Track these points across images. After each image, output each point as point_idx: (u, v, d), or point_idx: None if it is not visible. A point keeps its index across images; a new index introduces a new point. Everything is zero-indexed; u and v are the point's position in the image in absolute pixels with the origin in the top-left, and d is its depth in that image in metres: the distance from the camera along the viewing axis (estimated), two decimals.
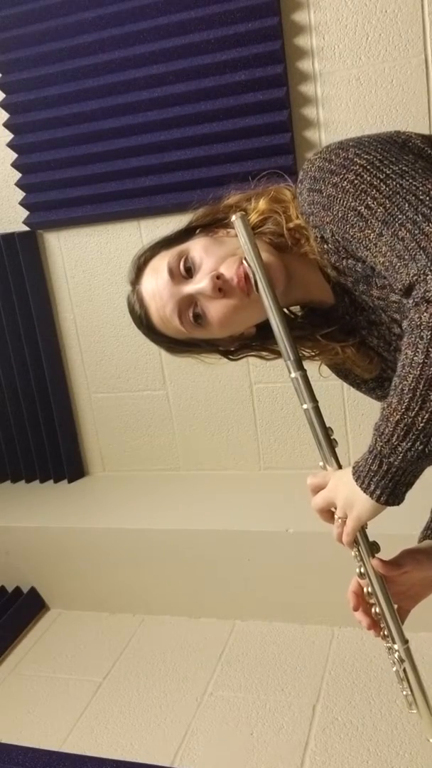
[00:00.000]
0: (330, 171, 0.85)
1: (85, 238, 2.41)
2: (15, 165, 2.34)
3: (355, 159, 0.84)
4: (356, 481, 0.84)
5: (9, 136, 2.32)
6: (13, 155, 2.34)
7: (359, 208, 0.81)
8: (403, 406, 0.75)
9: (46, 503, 2.56)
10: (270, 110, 2.02)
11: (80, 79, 2.18)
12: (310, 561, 2.11)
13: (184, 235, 0.99)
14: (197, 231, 0.99)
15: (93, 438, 2.68)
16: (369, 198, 0.80)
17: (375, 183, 0.81)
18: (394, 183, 0.79)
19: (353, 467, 0.84)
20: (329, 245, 0.90)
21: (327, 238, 0.89)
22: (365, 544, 0.91)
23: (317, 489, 0.92)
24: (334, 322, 1.00)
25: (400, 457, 0.77)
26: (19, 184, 2.36)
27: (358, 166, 0.83)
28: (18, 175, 2.36)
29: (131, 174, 2.22)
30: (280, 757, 1.72)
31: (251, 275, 0.89)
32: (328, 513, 0.92)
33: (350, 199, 0.82)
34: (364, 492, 0.83)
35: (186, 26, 2.02)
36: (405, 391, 0.74)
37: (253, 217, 0.96)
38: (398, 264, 0.77)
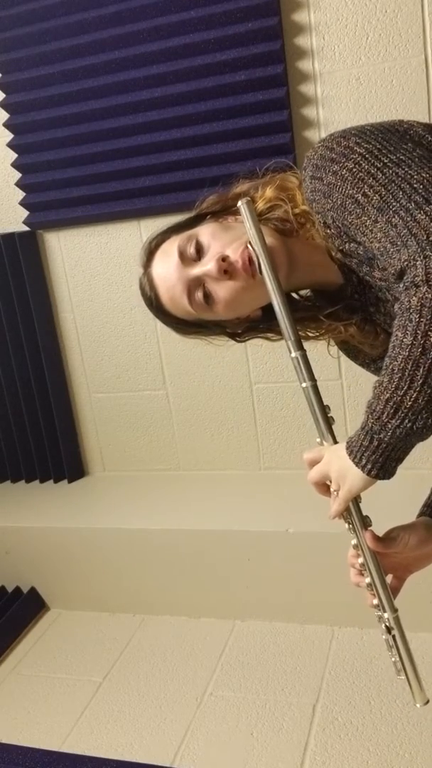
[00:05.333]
0: (331, 159, 0.88)
1: (85, 238, 2.41)
2: (15, 165, 2.34)
3: (355, 148, 0.87)
4: (349, 455, 0.87)
5: (9, 136, 2.32)
6: (13, 155, 2.34)
7: (357, 195, 0.85)
8: (393, 385, 0.78)
9: (46, 503, 2.56)
10: (270, 110, 2.02)
11: (80, 79, 2.18)
12: (310, 561, 2.11)
13: (194, 221, 1.02)
14: (207, 218, 1.02)
15: (93, 438, 2.68)
16: (366, 186, 0.84)
17: (372, 171, 0.84)
18: (391, 172, 0.83)
19: (347, 442, 0.88)
20: (332, 230, 0.93)
21: (329, 223, 0.93)
22: (358, 516, 0.94)
23: (313, 463, 0.95)
24: (342, 301, 1.03)
25: (389, 434, 0.81)
26: (19, 184, 2.36)
27: (357, 155, 0.86)
28: (18, 175, 2.36)
29: (131, 174, 2.22)
30: (280, 757, 1.72)
31: (255, 258, 0.92)
32: (323, 486, 0.95)
33: (348, 187, 0.85)
34: (356, 466, 0.87)
35: (186, 26, 2.02)
36: (395, 371, 0.78)
37: (260, 205, 1.00)
38: (391, 250, 0.81)
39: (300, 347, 0.93)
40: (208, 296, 0.97)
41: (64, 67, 2.18)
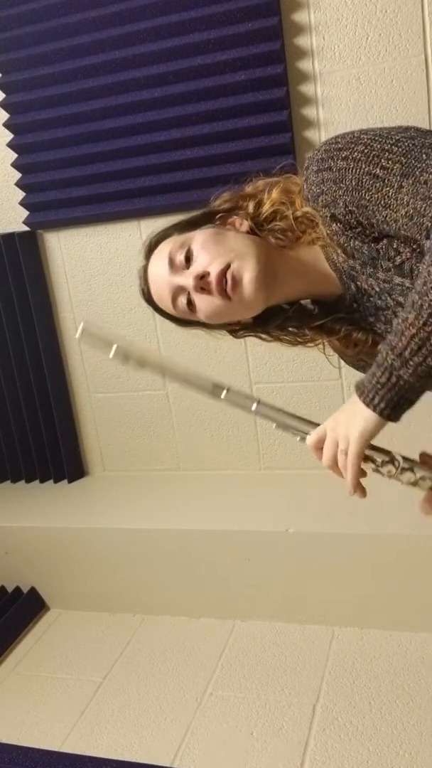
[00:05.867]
0: (338, 149, 0.90)
1: (85, 238, 2.41)
2: (15, 165, 2.34)
3: (361, 135, 0.89)
4: (360, 396, 0.87)
5: (9, 136, 2.32)
6: (13, 155, 2.34)
7: (374, 170, 0.86)
8: (421, 321, 0.78)
9: (46, 503, 2.56)
10: (270, 110, 2.02)
11: (80, 79, 2.18)
12: (310, 561, 2.11)
13: (202, 219, 1.04)
14: (215, 217, 1.04)
15: (93, 438, 2.68)
16: (383, 160, 0.85)
17: (386, 147, 0.86)
18: (405, 144, 0.85)
19: (356, 386, 0.87)
20: (339, 224, 0.93)
21: (338, 215, 0.92)
22: (381, 450, 0.93)
23: (319, 444, 0.94)
24: (339, 312, 1.04)
25: (410, 371, 0.81)
26: (19, 184, 2.36)
27: (366, 138, 0.88)
28: (18, 175, 2.36)
29: (131, 174, 2.22)
30: (280, 757, 1.72)
31: (232, 278, 0.94)
32: (338, 468, 0.94)
33: (363, 166, 0.87)
34: (368, 406, 0.86)
35: (186, 26, 2.02)
36: (423, 307, 0.78)
37: (267, 207, 1.01)
38: (423, 206, 0.81)
39: (220, 390, 0.97)
40: (190, 303, 0.99)
41: (64, 67, 2.17)
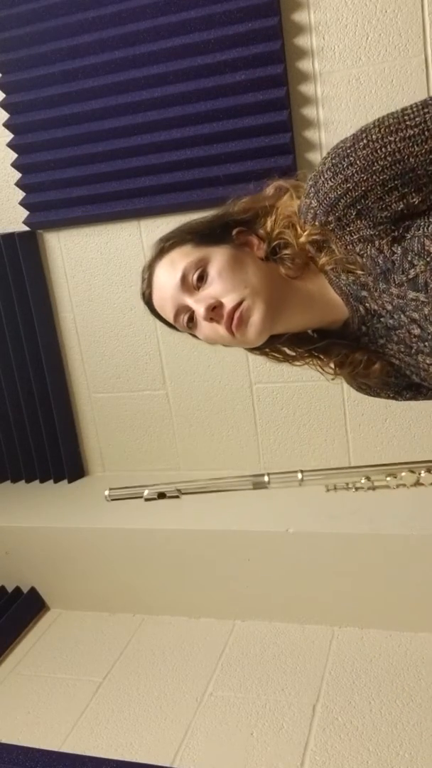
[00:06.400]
0: (349, 147, 0.89)
1: (85, 238, 2.41)
2: (15, 165, 2.34)
3: (363, 127, 0.89)
4: None
5: (9, 136, 2.32)
6: (13, 155, 2.34)
7: (406, 133, 0.86)
8: None
9: (46, 503, 2.56)
10: (270, 110, 2.02)
11: (80, 79, 2.18)
12: (310, 561, 2.11)
13: (220, 232, 1.00)
14: (234, 231, 1.00)
15: (93, 438, 2.68)
16: (407, 121, 0.86)
17: (399, 115, 0.87)
18: (414, 105, 0.86)
19: None
20: (364, 221, 0.92)
21: (369, 204, 0.91)
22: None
23: None
24: (346, 338, 1.03)
25: None
26: (19, 184, 2.36)
27: (372, 123, 0.88)
28: (18, 175, 2.36)
29: (131, 174, 2.22)
30: (280, 757, 1.72)
31: (242, 316, 0.94)
32: None
33: (390, 137, 0.87)
34: None
35: (186, 26, 2.02)
36: None
37: (276, 235, 0.99)
38: None
39: (261, 479, 0.96)
40: (192, 321, 0.99)
41: (64, 67, 2.17)
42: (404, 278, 0.91)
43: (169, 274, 0.98)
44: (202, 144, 2.11)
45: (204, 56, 2.03)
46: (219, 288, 0.95)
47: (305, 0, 1.96)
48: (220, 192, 2.10)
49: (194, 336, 1.04)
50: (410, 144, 0.86)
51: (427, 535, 1.93)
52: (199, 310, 0.95)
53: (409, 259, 0.91)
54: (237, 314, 0.93)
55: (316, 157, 2.07)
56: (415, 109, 0.86)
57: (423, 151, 0.86)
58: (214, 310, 0.94)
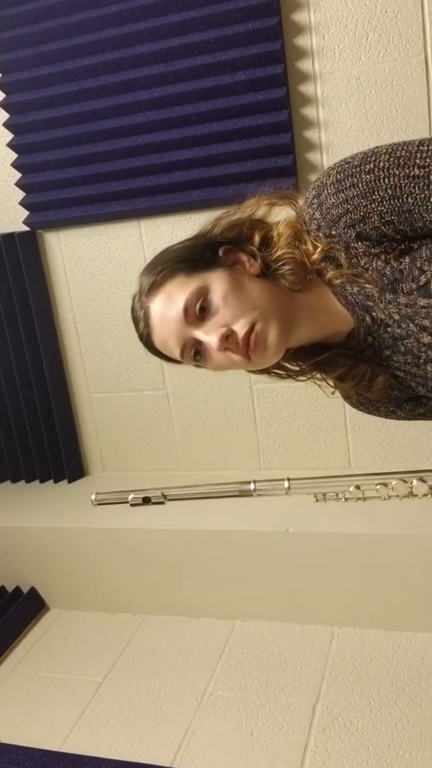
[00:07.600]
0: (355, 166, 0.87)
1: (85, 238, 2.41)
2: (15, 165, 2.34)
3: (376, 149, 0.86)
4: None
5: (9, 136, 2.32)
6: (13, 155, 2.34)
7: (412, 172, 0.83)
8: None
9: (46, 503, 2.56)
10: (270, 110, 2.02)
11: (80, 79, 2.18)
12: (310, 561, 2.11)
13: (206, 254, 0.96)
14: (220, 251, 0.96)
15: (93, 438, 2.68)
16: (417, 160, 0.83)
17: (412, 149, 0.84)
18: (430, 141, 0.83)
19: None
20: (364, 243, 0.90)
21: (367, 231, 0.89)
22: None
23: None
24: (351, 348, 1.01)
25: None
26: (19, 184, 2.36)
27: (385, 148, 0.85)
28: (18, 175, 2.36)
29: (131, 174, 2.22)
30: (280, 757, 1.72)
31: (255, 339, 0.91)
32: None
33: (396, 171, 0.84)
34: None
35: (186, 26, 2.01)
36: None
37: (278, 252, 0.96)
38: None
39: (247, 485, 0.94)
40: (198, 353, 0.95)
41: (64, 67, 2.17)
42: (414, 286, 0.89)
43: (168, 310, 0.93)
44: (202, 144, 2.11)
45: (204, 56, 2.02)
46: (227, 315, 0.91)
47: (305, 0, 1.96)
48: (220, 192, 2.10)
49: (200, 367, 1.00)
50: (411, 184, 0.84)
51: (427, 535, 1.93)
52: (212, 341, 0.91)
53: (418, 266, 0.89)
54: (252, 338, 0.89)
55: (316, 157, 2.07)
56: (429, 148, 0.83)
57: (423, 195, 0.84)
58: (227, 339, 0.90)
